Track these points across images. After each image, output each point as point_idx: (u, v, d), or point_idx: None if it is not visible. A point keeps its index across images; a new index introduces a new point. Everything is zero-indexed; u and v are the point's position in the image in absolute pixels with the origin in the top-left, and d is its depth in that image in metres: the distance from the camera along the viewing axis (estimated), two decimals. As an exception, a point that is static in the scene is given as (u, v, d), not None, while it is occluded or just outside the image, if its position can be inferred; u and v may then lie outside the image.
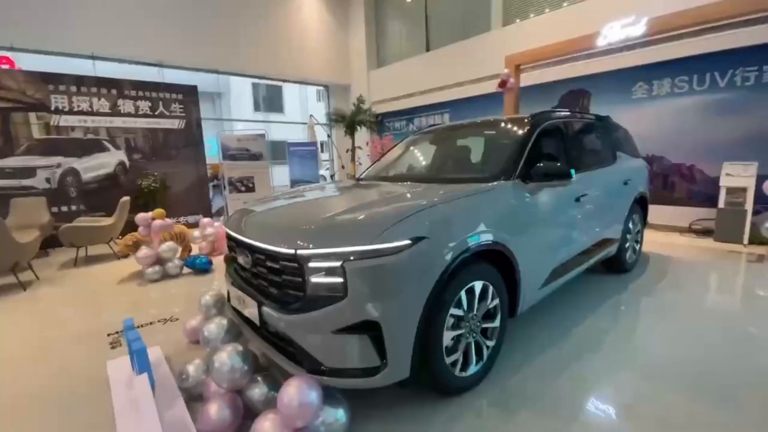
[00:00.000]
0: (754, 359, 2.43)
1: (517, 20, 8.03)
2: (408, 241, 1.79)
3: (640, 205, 4.22)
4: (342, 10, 11.51)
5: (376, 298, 1.75)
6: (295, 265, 1.83)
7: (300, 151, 10.18)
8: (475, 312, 2.12)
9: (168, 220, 4.79)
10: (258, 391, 1.98)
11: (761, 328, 2.83)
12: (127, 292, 4.18)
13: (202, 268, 4.66)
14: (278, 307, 1.91)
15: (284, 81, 11.09)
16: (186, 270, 4.72)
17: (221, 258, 5.11)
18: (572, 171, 2.55)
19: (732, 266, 4.43)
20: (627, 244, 3.97)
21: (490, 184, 2.45)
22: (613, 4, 6.20)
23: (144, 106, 7.26)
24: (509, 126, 3.02)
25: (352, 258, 1.74)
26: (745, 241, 5.09)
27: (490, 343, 2.26)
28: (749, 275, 4.16)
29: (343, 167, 11.54)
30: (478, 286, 2.11)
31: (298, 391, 1.67)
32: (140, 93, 7.22)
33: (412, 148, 3.74)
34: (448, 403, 2.07)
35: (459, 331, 2.05)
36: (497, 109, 8.10)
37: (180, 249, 4.82)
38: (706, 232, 5.72)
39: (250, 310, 2.11)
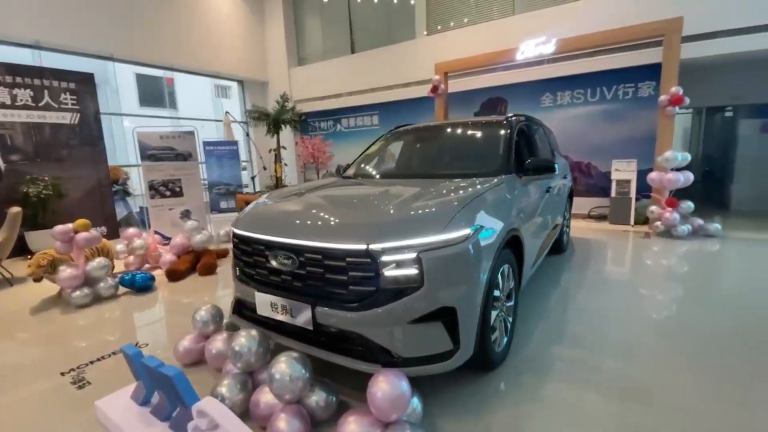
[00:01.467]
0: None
1: (439, 27, 8.66)
2: (470, 230, 1.91)
3: (569, 196, 5.00)
4: (258, 4, 10.90)
5: (451, 285, 1.82)
6: (367, 260, 1.79)
7: (218, 151, 9.34)
8: (503, 292, 2.33)
9: (93, 232, 4.00)
10: (315, 398, 1.87)
11: (652, 288, 3.74)
12: (50, 321, 3.39)
13: (143, 286, 4.02)
14: (343, 305, 1.85)
15: (193, 73, 10.01)
16: (122, 290, 4.02)
17: (161, 272, 4.52)
18: (555, 165, 2.96)
19: (628, 242, 5.55)
20: (565, 229, 4.70)
21: (496, 178, 2.69)
22: (527, 24, 7.16)
23: (24, 95, 5.87)
24: (494, 126, 3.33)
25: (426, 249, 1.78)
26: (632, 222, 6.41)
27: (510, 320, 2.50)
28: (643, 248, 5.25)
29: (264, 168, 10.94)
30: (506, 268, 2.33)
31: (390, 385, 1.65)
32: (18, 79, 5.81)
33: (396, 145, 3.82)
34: (487, 377, 2.23)
35: (496, 311, 2.23)
36: (426, 113, 8.65)
37: (112, 265, 4.08)
38: (601, 217, 7.01)
39: (294, 315, 1.98)
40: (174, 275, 4.35)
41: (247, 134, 11.14)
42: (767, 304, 3.22)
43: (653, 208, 5.79)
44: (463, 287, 1.85)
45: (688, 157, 5.46)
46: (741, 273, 4.20)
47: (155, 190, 5.87)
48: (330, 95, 10.35)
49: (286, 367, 1.80)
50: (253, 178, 11.20)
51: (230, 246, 2.48)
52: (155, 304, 3.72)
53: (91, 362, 2.61)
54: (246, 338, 2.05)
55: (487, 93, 8.01)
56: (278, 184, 10.94)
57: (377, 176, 3.45)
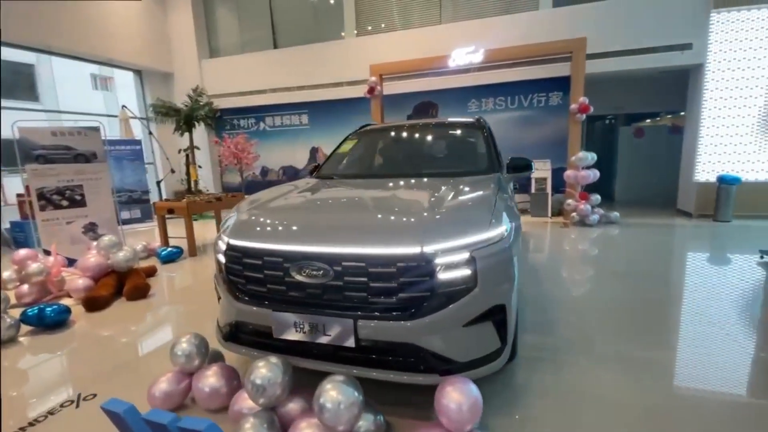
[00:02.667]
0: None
1: (369, 28, 8.69)
2: (506, 227, 1.92)
3: (510, 191, 5.46)
4: (158, -17, 9.56)
5: (499, 282, 1.81)
6: (422, 263, 1.67)
7: (117, 152, 7.97)
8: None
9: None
10: (364, 423, 1.69)
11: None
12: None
13: (55, 321, 3.18)
14: (392, 315, 1.70)
15: (77, 59, 8.33)
16: (24, 328, 3.12)
17: (73, 301, 3.63)
18: (532, 163, 3.17)
19: (551, 232, 6.29)
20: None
21: (489, 176, 2.76)
22: (454, 33, 7.59)
23: None
24: (472, 126, 3.42)
25: (478, 248, 1.74)
26: (549, 214, 7.27)
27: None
28: (564, 236, 5.98)
29: (172, 171, 9.63)
30: (514, 262, 2.41)
31: (462, 394, 1.57)
32: None
33: (373, 145, 3.67)
34: (511, 366, 2.26)
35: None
36: (360, 114, 8.60)
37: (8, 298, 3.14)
38: (523, 211, 7.81)
39: (328, 333, 1.75)
40: (94, 304, 3.53)
41: (150, 132, 9.68)
42: (658, 273, 4.12)
43: (570, 201, 6.64)
44: (507, 284, 1.85)
45: (595, 156, 6.40)
46: (638, 250, 5.09)
47: (47, 199, 4.71)
48: (251, 91, 9.58)
49: (336, 393, 1.58)
50: (158, 183, 9.79)
51: (221, 259, 2.08)
52: (80, 343, 2.96)
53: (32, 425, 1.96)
54: (267, 368, 1.74)
55: (418, 97, 8.28)
56: (191, 188, 9.75)
57: (365, 176, 3.19)
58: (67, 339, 3.01)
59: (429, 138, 3.58)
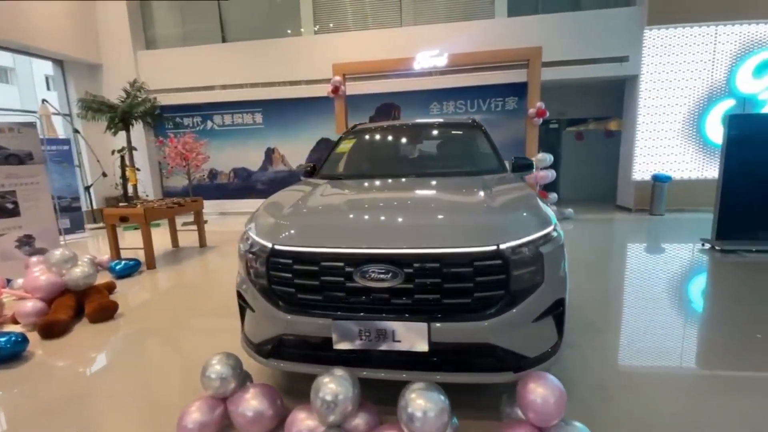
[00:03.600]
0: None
1: (330, 25, 8.50)
2: (554, 222, 1.97)
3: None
4: (82, -39, 8.44)
5: (560, 276, 1.84)
6: (498, 261, 1.64)
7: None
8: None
9: None
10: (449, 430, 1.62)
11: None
12: None
13: (10, 353, 2.63)
14: (467, 316, 1.65)
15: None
16: (-40, 365, 2.53)
17: (21, 327, 3.03)
18: (533, 162, 3.31)
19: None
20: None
21: (504, 174, 2.83)
22: (418, 36, 7.72)
23: None
24: (473, 127, 3.46)
25: (542, 243, 1.76)
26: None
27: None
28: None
29: (104, 175, 8.55)
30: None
31: (547, 387, 1.56)
32: None
33: (378, 144, 3.54)
34: None
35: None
36: (320, 113, 8.39)
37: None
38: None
39: (398, 339, 1.66)
40: (52, 330, 2.97)
41: (76, 131, 8.48)
42: (613, 266, 4.57)
43: (531, 200, 7.08)
44: (564, 277, 1.90)
45: (552, 158, 6.90)
46: (597, 241, 5.61)
47: (-37, 208, 3.89)
48: (197, 87, 8.85)
49: (424, 401, 1.49)
50: (87, 189, 8.62)
51: (259, 268, 1.86)
52: (46, 381, 2.46)
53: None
54: (335, 382, 1.59)
55: (380, 98, 8.28)
56: (127, 194, 8.73)
57: (383, 176, 2.96)
58: (27, 375, 2.49)
59: (435, 137, 3.58)
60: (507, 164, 3.05)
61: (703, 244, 4.88)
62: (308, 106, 8.58)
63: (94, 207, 8.82)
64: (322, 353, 1.77)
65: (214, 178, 9.50)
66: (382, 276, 1.67)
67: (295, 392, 2.06)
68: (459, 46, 7.28)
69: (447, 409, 1.52)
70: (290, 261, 1.77)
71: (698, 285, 3.84)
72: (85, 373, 2.51)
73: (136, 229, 7.15)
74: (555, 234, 1.85)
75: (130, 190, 8.70)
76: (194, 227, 7.16)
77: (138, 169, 8.57)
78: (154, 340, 2.97)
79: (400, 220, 1.88)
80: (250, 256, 1.92)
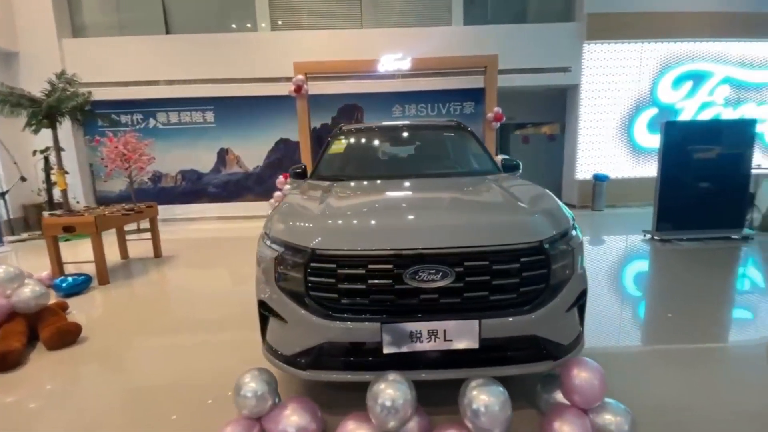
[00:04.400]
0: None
1: (285, 22, 8.23)
2: (573, 218, 2.11)
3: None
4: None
5: (582, 268, 1.97)
6: (541, 256, 1.72)
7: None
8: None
9: None
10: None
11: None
12: None
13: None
14: (513, 310, 1.70)
15: None
16: None
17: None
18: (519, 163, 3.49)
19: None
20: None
21: (504, 174, 2.96)
22: (379, 39, 7.76)
23: None
24: (460, 129, 3.56)
25: (570, 237, 1.88)
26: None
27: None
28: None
29: (23, 179, 7.44)
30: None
31: (589, 371, 1.67)
32: None
33: (374, 146, 3.51)
34: None
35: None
36: (278, 112, 8.11)
37: None
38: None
39: (451, 338, 1.67)
40: (4, 362, 2.53)
41: (-15, 128, 7.27)
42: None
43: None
44: (584, 270, 2.03)
45: (510, 159, 7.32)
46: None
47: None
48: (137, 81, 8.05)
49: (487, 396, 1.53)
50: (2, 195, 7.43)
51: (293, 275, 1.75)
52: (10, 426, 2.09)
53: None
54: (392, 387, 1.55)
55: (342, 99, 8.20)
56: (52, 201, 7.68)
57: (387, 177, 2.92)
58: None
59: (430, 138, 3.62)
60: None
61: (644, 235, 5.51)
62: (266, 104, 8.23)
63: (11, 216, 7.63)
64: (369, 359, 1.72)
65: (158, 181, 8.71)
66: (432, 276, 1.67)
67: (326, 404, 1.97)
68: (419, 51, 7.45)
69: (509, 401, 1.56)
70: (334, 265, 1.69)
71: (645, 270, 4.43)
72: (64, 415, 2.15)
73: (67, 240, 6.32)
74: (575, 229, 1.99)
75: (56, 195, 7.66)
76: (145, 236, 6.54)
77: (66, 172, 7.57)
78: (133, 364, 2.64)
79: (445, 218, 1.89)
80: (281, 261, 1.81)
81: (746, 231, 5.25)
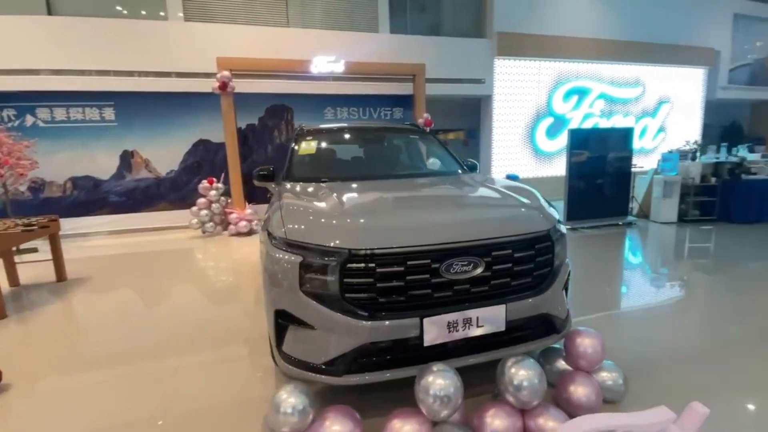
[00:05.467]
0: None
1: (196, 12, 7.53)
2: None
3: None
4: None
5: (566, 252, 2.25)
6: (549, 243, 1.95)
7: None
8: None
9: None
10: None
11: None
12: None
13: None
14: (529, 292, 1.90)
15: None
16: None
17: None
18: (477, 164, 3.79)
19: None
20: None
21: (474, 174, 3.20)
22: (306, 39, 7.59)
23: None
24: (418, 131, 3.72)
25: (560, 224, 2.15)
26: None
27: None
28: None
29: None
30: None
31: (593, 339, 1.96)
32: None
33: (346, 147, 3.46)
34: None
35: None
36: (197, 110, 7.44)
37: None
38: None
39: (482, 324, 1.79)
40: None
41: None
42: None
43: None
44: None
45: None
46: None
47: None
48: (9, 70, 6.56)
49: (525, 371, 1.69)
50: None
51: (327, 278, 1.68)
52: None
53: None
54: (442, 377, 1.62)
55: (269, 99, 7.82)
56: None
57: (367, 177, 2.86)
58: None
59: (400, 140, 3.70)
60: None
61: (558, 226, 6.42)
62: (181, 102, 7.41)
63: None
64: (410, 354, 1.75)
65: (40, 191, 7.20)
66: (464, 268, 1.77)
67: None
68: (348, 55, 7.49)
69: (545, 375, 1.73)
70: (372, 264, 1.68)
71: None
72: None
73: None
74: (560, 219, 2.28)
75: None
76: (27, 258, 5.39)
77: None
78: (70, 410, 2.17)
79: (471, 213, 2.02)
80: (307, 265, 1.72)
81: (629, 218, 6.48)
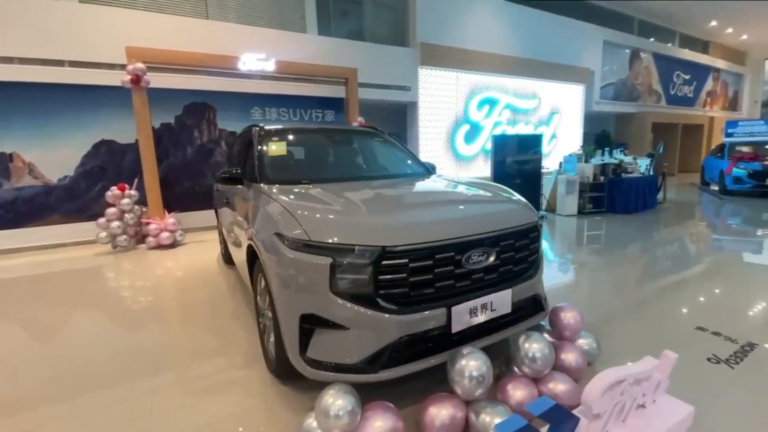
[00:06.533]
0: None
1: None
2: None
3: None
4: None
5: None
6: (537, 232, 2.21)
7: None
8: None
9: None
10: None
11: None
12: None
13: None
14: (526, 276, 2.15)
15: None
16: None
17: None
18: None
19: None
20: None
21: (440, 174, 3.41)
22: (228, 34, 7.12)
23: None
24: (378, 134, 3.81)
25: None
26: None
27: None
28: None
29: None
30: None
31: (574, 312, 2.28)
32: None
33: (310, 150, 3.37)
34: None
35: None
36: (95, 107, 6.48)
37: None
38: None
39: (495, 308, 1.98)
40: None
41: None
42: None
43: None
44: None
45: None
46: None
47: None
48: None
49: (537, 344, 1.91)
50: None
51: (359, 277, 1.68)
52: None
53: None
54: (473, 359, 1.74)
55: (189, 96, 7.13)
56: None
57: (341, 179, 2.83)
58: None
59: (369, 143, 3.71)
60: None
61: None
62: (77, 96, 6.33)
63: None
64: (437, 343, 1.84)
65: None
66: (479, 258, 1.93)
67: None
68: (274, 54, 7.19)
69: (553, 346, 1.97)
70: (406, 260, 1.73)
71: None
72: None
73: None
74: None
75: None
76: None
77: None
78: None
79: (480, 208, 2.20)
80: (339, 266, 1.70)
81: (541, 212, 7.46)
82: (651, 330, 2.77)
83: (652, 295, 3.50)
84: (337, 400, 1.56)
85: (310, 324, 1.75)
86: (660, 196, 8.67)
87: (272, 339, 2.11)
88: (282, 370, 2.10)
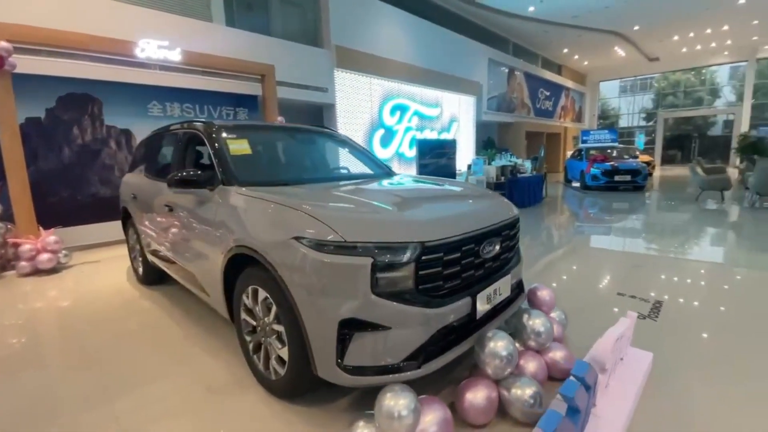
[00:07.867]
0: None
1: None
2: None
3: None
4: None
5: None
6: (519, 223, 2.48)
7: None
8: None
9: None
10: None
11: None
12: None
13: None
14: (515, 262, 2.40)
15: None
16: None
17: None
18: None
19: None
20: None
21: (400, 175, 3.50)
22: (117, 14, 6.08)
23: None
24: (337, 135, 3.73)
25: None
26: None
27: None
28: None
29: None
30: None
31: (548, 291, 2.62)
32: None
33: (272, 149, 3.14)
34: None
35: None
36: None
37: None
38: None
39: (503, 292, 2.18)
40: None
41: None
42: None
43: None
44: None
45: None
46: None
47: None
48: None
49: (539, 320, 2.16)
50: None
51: (401, 274, 1.66)
52: None
53: None
54: (501, 340, 1.90)
55: (68, 85, 5.87)
56: None
57: (317, 179, 2.90)
58: None
59: (330, 144, 3.58)
60: None
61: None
62: None
63: None
64: (464, 330, 1.93)
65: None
66: (490, 247, 2.09)
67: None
68: (177, 42, 6.40)
69: (550, 322, 2.24)
70: (441, 254, 1.79)
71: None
72: None
73: None
74: None
75: None
76: None
77: None
78: None
79: (485, 203, 2.37)
80: (379, 265, 1.67)
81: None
82: (581, 299, 3.33)
83: (573, 264, 4.20)
84: (399, 400, 1.53)
85: (349, 330, 1.67)
86: (544, 192, 10.29)
87: (276, 354, 1.94)
88: (292, 387, 1.95)
